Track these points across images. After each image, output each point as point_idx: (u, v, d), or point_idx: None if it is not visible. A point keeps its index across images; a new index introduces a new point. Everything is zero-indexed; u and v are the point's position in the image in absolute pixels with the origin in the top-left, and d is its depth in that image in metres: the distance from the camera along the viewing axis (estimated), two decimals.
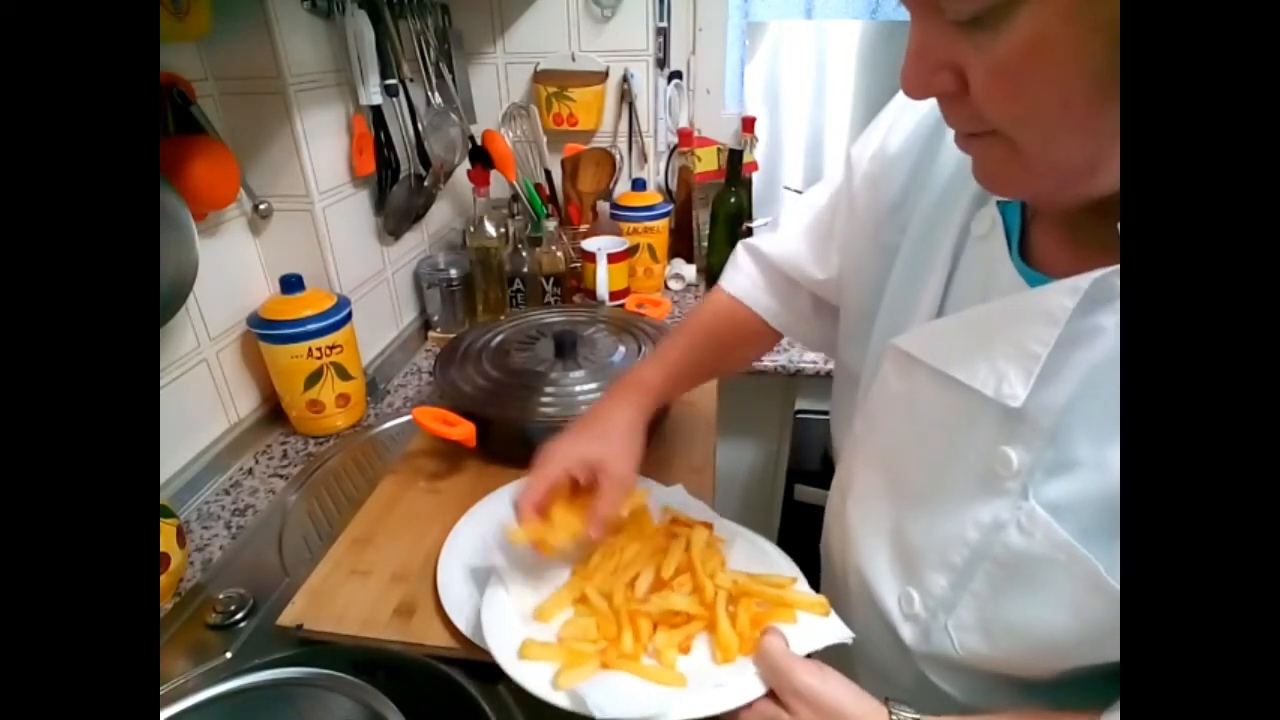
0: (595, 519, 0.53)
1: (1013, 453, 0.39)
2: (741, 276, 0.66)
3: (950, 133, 0.36)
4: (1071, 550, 0.36)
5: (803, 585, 0.52)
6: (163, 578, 0.64)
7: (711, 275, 1.39)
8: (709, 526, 0.57)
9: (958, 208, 0.44)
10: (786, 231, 0.63)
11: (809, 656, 0.45)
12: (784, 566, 0.55)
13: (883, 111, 0.53)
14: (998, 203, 0.41)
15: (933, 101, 0.35)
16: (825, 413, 1.15)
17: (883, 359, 0.47)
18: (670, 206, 1.32)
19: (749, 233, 1.47)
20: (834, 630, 0.47)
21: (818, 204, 0.60)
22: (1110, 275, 0.33)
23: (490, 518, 0.68)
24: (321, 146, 0.92)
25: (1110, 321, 0.35)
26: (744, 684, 0.43)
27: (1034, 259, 0.40)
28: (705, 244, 1.40)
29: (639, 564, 0.53)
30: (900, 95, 0.36)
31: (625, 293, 1.25)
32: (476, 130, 1.27)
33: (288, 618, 0.59)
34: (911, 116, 0.50)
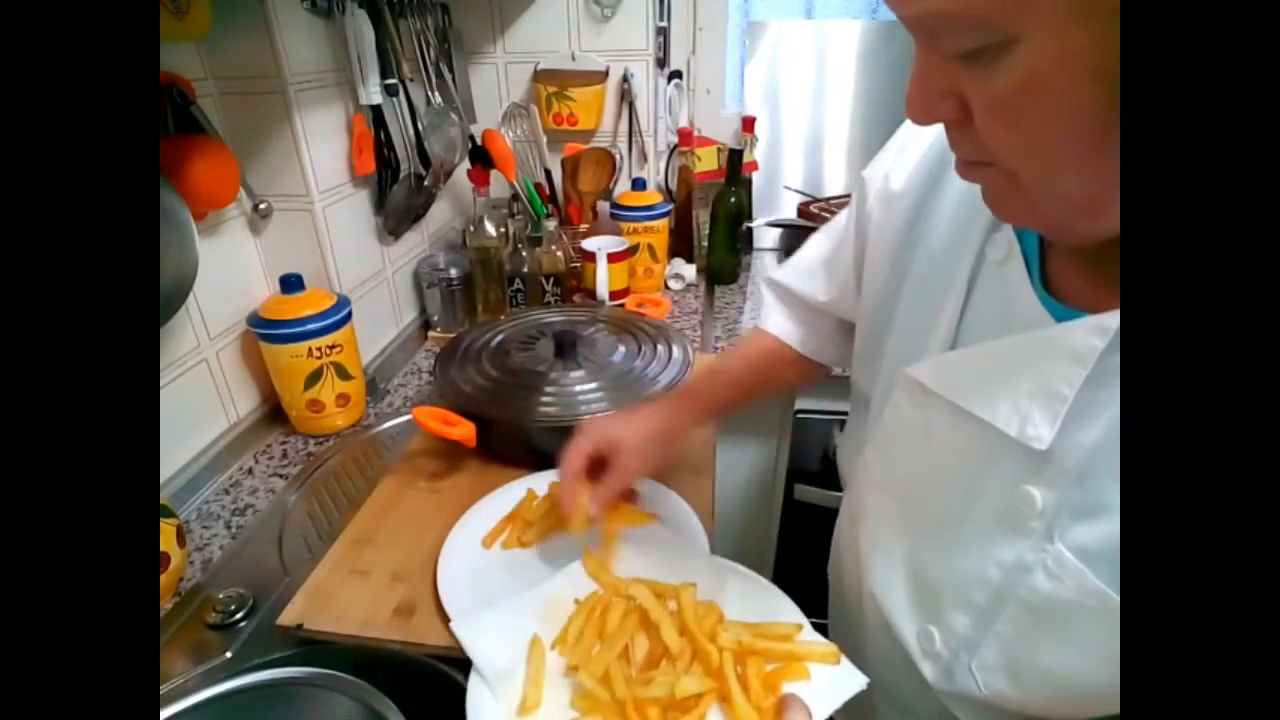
0: (596, 496, 0.58)
1: (1036, 492, 0.37)
2: (766, 309, 0.69)
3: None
4: (1104, 598, 0.35)
5: (808, 632, 0.49)
6: (163, 578, 0.64)
7: (712, 275, 1.39)
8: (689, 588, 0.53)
9: (973, 231, 0.42)
10: (801, 258, 0.65)
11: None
12: (783, 608, 0.52)
13: (894, 136, 0.53)
14: (1014, 228, 0.40)
15: (939, 130, 0.35)
16: (825, 413, 1.16)
17: (895, 385, 0.46)
18: (670, 206, 1.32)
19: (749, 232, 1.47)
20: (849, 680, 0.46)
21: (837, 225, 0.61)
22: None
23: (490, 517, 0.68)
24: (321, 146, 0.92)
25: None
26: None
27: (1053, 288, 0.39)
28: (705, 244, 1.40)
29: (628, 630, 0.50)
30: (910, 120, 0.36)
31: (625, 292, 1.25)
32: (476, 130, 1.27)
33: (288, 617, 0.59)
34: (916, 150, 0.49)
